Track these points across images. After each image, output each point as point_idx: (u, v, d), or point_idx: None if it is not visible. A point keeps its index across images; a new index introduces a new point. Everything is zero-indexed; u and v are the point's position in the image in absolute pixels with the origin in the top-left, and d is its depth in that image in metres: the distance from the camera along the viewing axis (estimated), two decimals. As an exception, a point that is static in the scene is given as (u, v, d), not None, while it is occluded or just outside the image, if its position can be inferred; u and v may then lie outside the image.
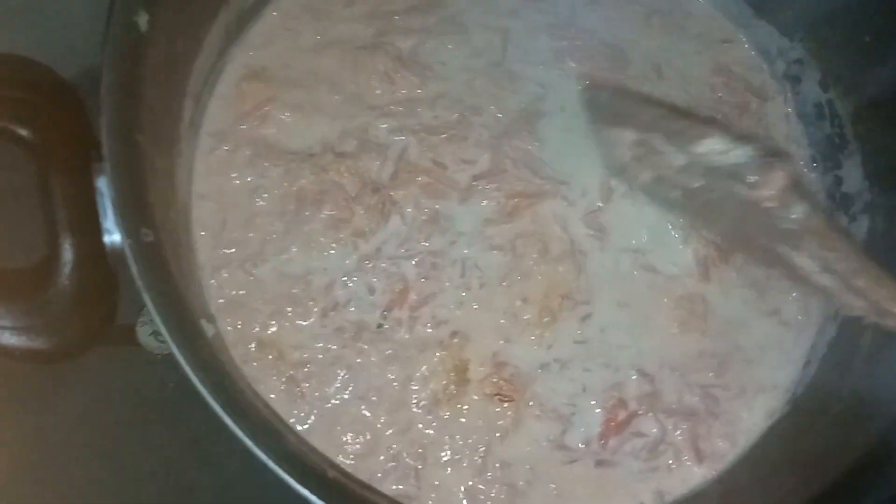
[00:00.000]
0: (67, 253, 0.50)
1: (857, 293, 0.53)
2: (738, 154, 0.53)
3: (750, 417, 0.63)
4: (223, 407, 0.47)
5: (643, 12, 0.74)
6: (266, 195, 0.63)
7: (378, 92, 0.67)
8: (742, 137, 0.56)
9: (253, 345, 0.59)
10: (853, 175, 0.69)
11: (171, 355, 0.69)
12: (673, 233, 0.66)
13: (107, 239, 0.49)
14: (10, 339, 0.48)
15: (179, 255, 0.54)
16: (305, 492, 0.47)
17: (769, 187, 0.52)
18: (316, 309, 0.61)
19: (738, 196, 0.54)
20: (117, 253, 0.49)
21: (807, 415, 0.63)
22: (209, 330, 0.51)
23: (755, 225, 0.56)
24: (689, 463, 0.61)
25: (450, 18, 0.70)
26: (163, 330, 0.46)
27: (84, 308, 0.50)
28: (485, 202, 0.65)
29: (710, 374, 0.63)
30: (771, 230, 0.55)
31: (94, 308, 0.51)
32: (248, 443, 0.47)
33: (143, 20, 0.51)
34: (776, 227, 0.54)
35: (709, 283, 0.65)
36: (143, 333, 0.71)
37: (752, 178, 0.53)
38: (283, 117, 0.65)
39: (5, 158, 0.51)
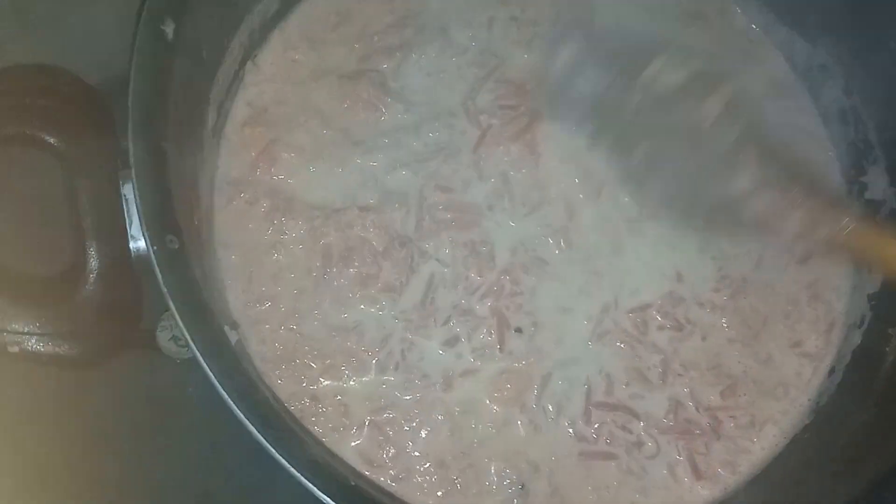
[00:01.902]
0: (93, 260, 0.50)
1: (794, 204, 0.55)
2: (686, 70, 0.57)
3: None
4: (246, 414, 0.47)
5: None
6: (290, 250, 0.62)
7: (364, 122, 0.66)
8: (687, 57, 0.59)
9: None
10: (878, 181, 0.68)
11: (189, 360, 0.69)
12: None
13: (132, 245, 0.50)
14: (38, 344, 0.48)
15: (203, 261, 0.54)
16: (327, 499, 0.47)
17: (716, 101, 0.56)
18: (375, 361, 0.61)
19: (685, 120, 0.57)
20: (142, 259, 0.49)
21: (831, 423, 0.62)
22: (232, 336, 0.52)
23: (700, 159, 0.58)
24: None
25: (425, 26, 0.69)
26: (187, 337, 0.47)
27: (109, 314, 0.51)
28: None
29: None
30: (713, 161, 0.57)
31: (119, 314, 0.52)
32: (271, 450, 0.47)
33: (169, 29, 0.52)
34: (719, 149, 0.57)
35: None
36: (162, 338, 0.71)
37: (698, 95, 0.56)
38: (288, 157, 0.65)
39: (33, 166, 0.51)
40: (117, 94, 0.51)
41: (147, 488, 0.69)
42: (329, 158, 0.65)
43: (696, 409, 0.62)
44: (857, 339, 0.65)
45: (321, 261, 0.62)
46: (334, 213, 0.63)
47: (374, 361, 0.60)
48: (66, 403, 0.70)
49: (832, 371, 0.65)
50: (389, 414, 0.59)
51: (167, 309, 0.68)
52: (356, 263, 0.62)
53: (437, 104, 0.67)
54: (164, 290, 0.47)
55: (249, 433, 0.47)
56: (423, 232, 0.63)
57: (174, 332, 0.70)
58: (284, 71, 0.68)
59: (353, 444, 0.59)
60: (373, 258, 0.62)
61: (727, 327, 0.64)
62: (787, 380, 0.64)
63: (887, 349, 0.62)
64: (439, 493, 0.58)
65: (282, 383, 0.59)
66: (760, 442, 0.63)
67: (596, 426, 0.61)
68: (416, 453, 0.59)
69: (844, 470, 0.57)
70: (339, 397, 0.60)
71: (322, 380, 0.60)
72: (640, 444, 0.61)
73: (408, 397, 0.60)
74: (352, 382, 0.60)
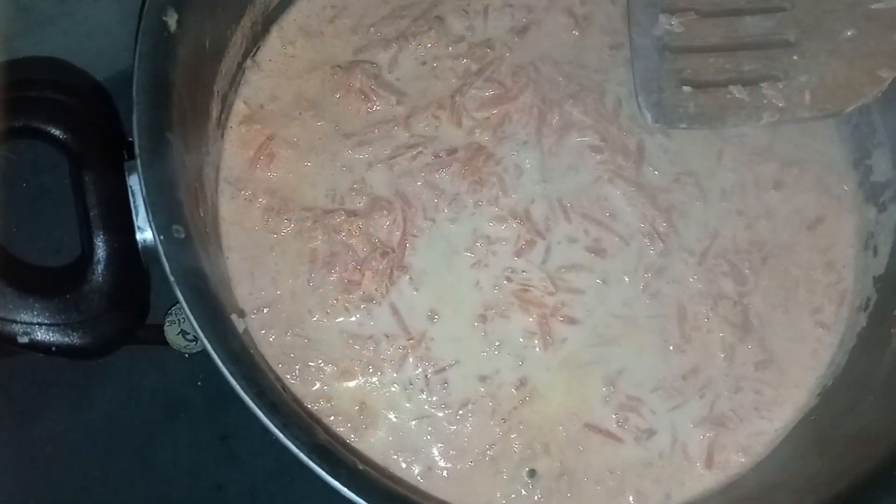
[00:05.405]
0: (101, 251, 0.50)
1: None
2: None
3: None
4: (255, 400, 0.47)
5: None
6: (283, 252, 0.63)
7: (355, 113, 0.66)
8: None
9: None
10: (882, 164, 0.68)
11: (198, 354, 0.70)
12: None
13: (139, 236, 0.50)
14: (46, 335, 0.49)
15: (209, 251, 0.55)
16: (336, 483, 0.47)
17: None
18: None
19: None
20: (149, 250, 0.50)
21: (833, 411, 0.62)
22: (240, 325, 0.52)
23: None
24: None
25: (421, 16, 0.69)
26: (195, 325, 0.47)
27: (118, 305, 0.51)
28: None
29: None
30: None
31: (127, 304, 0.52)
32: (280, 435, 0.47)
33: (172, 20, 0.52)
34: None
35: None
36: (170, 332, 0.72)
37: None
38: (285, 153, 0.65)
39: (40, 159, 0.52)
40: (122, 86, 0.52)
41: (158, 481, 0.70)
42: (322, 152, 0.65)
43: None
44: (863, 321, 0.65)
45: (307, 265, 0.62)
46: (323, 216, 0.63)
47: (385, 363, 0.61)
48: (75, 395, 0.71)
49: (839, 351, 0.65)
50: (407, 413, 0.60)
51: (174, 304, 0.69)
52: (337, 268, 0.62)
53: (428, 95, 0.67)
54: (171, 278, 0.47)
55: (259, 421, 0.47)
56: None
57: (182, 327, 0.71)
58: (281, 66, 0.68)
59: (370, 440, 0.60)
60: (355, 265, 0.62)
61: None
62: (803, 356, 0.65)
63: (893, 331, 0.62)
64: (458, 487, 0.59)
65: (295, 383, 0.60)
66: (775, 423, 0.63)
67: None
68: (435, 451, 0.60)
69: (846, 455, 0.58)
70: (350, 398, 0.60)
71: (335, 383, 0.60)
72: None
73: (423, 398, 0.61)
74: (366, 384, 0.61)
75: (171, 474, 0.70)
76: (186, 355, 0.72)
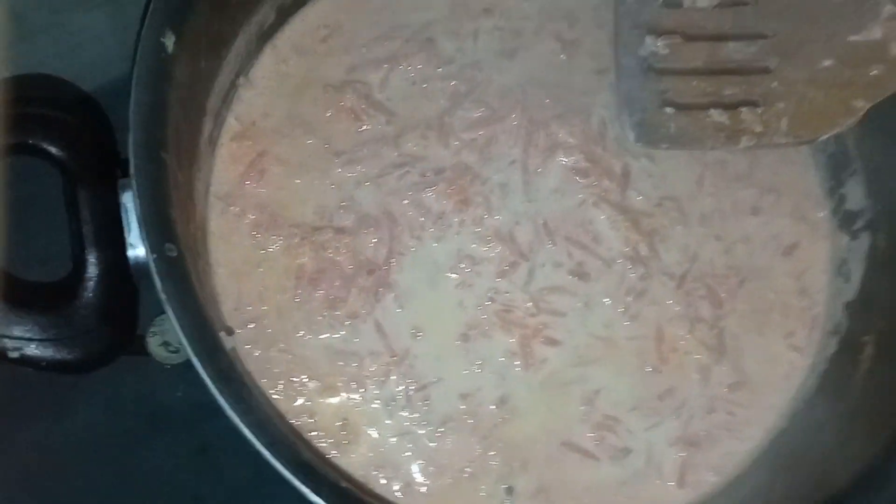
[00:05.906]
0: (92, 267, 0.51)
1: None
2: None
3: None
4: (242, 419, 0.48)
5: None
6: (271, 269, 0.63)
7: (346, 132, 0.67)
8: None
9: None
10: (856, 193, 0.69)
11: (178, 365, 0.71)
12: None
13: (131, 253, 0.51)
14: (36, 350, 0.49)
15: (199, 268, 0.55)
16: (318, 500, 0.48)
17: None
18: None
19: None
20: (141, 267, 0.50)
21: (803, 432, 0.64)
22: (228, 342, 0.52)
23: None
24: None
25: (412, 37, 0.70)
26: (185, 343, 0.47)
27: (108, 320, 0.51)
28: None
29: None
30: None
31: (117, 321, 0.52)
32: (265, 453, 0.48)
33: (170, 41, 0.52)
34: None
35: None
36: (153, 344, 0.72)
37: None
38: (276, 171, 0.65)
39: (33, 174, 0.52)
40: (115, 102, 0.52)
41: (137, 492, 0.70)
42: (311, 169, 0.66)
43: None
44: (833, 346, 0.67)
45: (294, 281, 0.63)
46: (312, 232, 0.64)
47: (368, 380, 0.62)
48: (55, 404, 0.71)
49: (811, 374, 0.66)
50: (388, 429, 0.61)
51: (158, 315, 0.69)
52: (324, 285, 0.63)
53: (417, 116, 0.68)
54: (163, 297, 0.47)
55: (240, 434, 0.48)
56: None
57: (165, 338, 0.71)
58: (274, 83, 0.68)
59: (351, 456, 0.60)
60: (341, 282, 0.63)
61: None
62: (775, 378, 0.66)
63: (860, 357, 0.64)
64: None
65: (279, 398, 0.61)
66: (746, 444, 0.64)
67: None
68: (415, 467, 0.61)
69: (815, 476, 0.59)
70: (333, 414, 0.61)
71: (318, 398, 0.61)
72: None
73: (405, 415, 0.62)
74: (348, 400, 0.62)
75: (150, 485, 0.70)
76: (168, 366, 0.72)
